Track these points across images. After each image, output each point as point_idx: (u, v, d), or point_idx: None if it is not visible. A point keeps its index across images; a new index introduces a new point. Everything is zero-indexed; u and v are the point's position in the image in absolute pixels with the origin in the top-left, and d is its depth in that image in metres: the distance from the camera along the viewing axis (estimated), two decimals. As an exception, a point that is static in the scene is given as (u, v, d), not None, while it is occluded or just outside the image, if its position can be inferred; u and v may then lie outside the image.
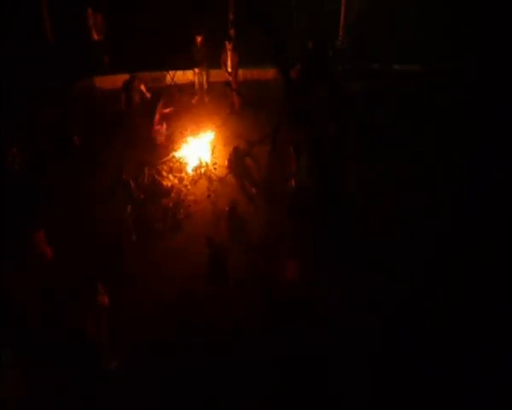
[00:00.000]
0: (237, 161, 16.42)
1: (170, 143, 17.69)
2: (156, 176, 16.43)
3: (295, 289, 13.27)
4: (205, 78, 19.69)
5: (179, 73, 19.90)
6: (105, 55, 20.07)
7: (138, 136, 17.37)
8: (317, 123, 16.59)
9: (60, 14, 19.46)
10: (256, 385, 11.90)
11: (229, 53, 18.68)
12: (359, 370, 12.00)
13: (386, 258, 13.53)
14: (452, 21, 19.81)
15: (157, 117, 17.48)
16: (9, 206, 14.30)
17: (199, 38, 18.80)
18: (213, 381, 11.95)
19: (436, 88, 18.93)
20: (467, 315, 12.91)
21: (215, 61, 19.12)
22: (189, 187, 16.55)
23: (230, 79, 19.13)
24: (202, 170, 17.02)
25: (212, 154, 17.45)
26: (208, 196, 16.33)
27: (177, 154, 17.35)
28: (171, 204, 15.84)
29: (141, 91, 17.64)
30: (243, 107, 19.27)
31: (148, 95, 17.77)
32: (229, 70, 18.94)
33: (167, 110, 17.76)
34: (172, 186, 16.43)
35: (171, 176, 16.75)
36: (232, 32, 19.46)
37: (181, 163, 17.16)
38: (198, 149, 17.30)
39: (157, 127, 17.53)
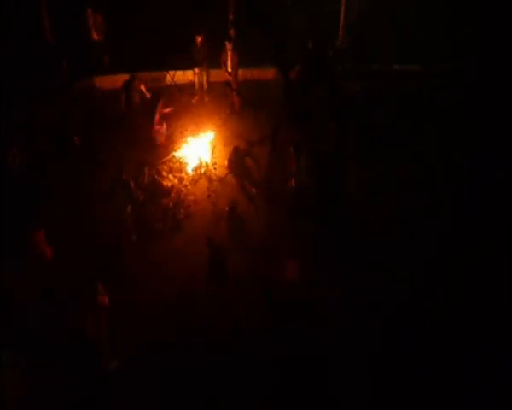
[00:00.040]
0: (237, 160, 16.42)
1: (170, 143, 17.68)
2: (156, 176, 16.42)
3: (295, 289, 13.26)
4: (205, 78, 19.67)
5: (179, 73, 19.90)
6: (105, 56, 20.05)
7: (138, 136, 17.36)
8: (317, 123, 16.61)
9: (60, 14, 19.44)
10: (256, 385, 11.89)
11: (229, 53, 18.66)
12: (359, 370, 12.00)
13: (386, 258, 13.54)
14: (452, 21, 19.81)
15: (157, 117, 17.48)
16: (9, 206, 14.30)
17: (199, 38, 18.78)
18: (213, 381, 11.94)
19: (436, 88, 18.93)
20: (467, 315, 12.91)
21: (215, 61, 19.10)
22: (189, 187, 16.54)
23: (230, 79, 19.11)
24: (202, 170, 17.02)
25: (212, 154, 17.44)
26: (208, 196, 16.32)
27: (177, 154, 17.35)
28: (171, 204, 15.83)
29: (141, 91, 17.63)
30: (243, 107, 19.26)
31: (148, 95, 17.77)
32: (229, 70, 18.92)
33: (167, 110, 17.75)
34: (172, 186, 16.42)
35: (171, 176, 16.75)
36: (232, 32, 19.44)
37: (181, 163, 17.16)
38: (198, 149, 17.29)
39: (157, 127, 17.52)
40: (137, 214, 14.86)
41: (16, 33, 18.28)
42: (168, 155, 17.31)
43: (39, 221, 14.02)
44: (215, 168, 17.11)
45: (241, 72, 19.64)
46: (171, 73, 19.73)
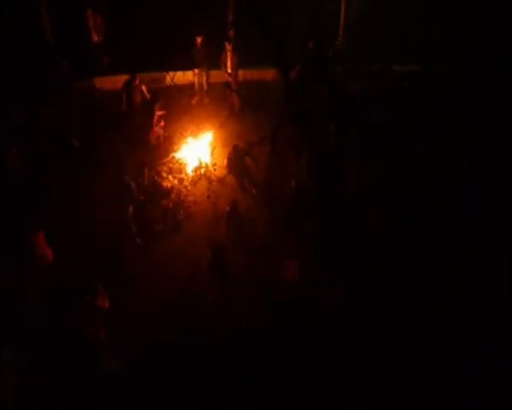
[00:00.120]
0: (237, 160, 16.41)
1: (169, 144, 17.69)
2: (156, 177, 16.41)
3: (295, 289, 13.26)
4: (205, 78, 19.66)
5: (179, 73, 19.89)
6: (105, 56, 20.05)
7: (138, 136, 17.36)
8: (317, 123, 16.61)
9: (60, 14, 19.44)
10: (256, 385, 11.89)
11: (228, 54, 18.65)
12: (359, 370, 11.99)
13: (386, 258, 13.53)
14: (452, 21, 19.81)
15: (155, 119, 17.47)
16: (9, 206, 14.29)
17: (199, 39, 18.77)
18: (213, 381, 11.94)
19: (436, 88, 18.93)
20: (467, 315, 12.91)
21: (215, 62, 19.10)
22: (188, 188, 16.54)
23: (230, 79, 19.10)
24: (202, 171, 17.01)
25: (212, 155, 17.44)
26: (208, 196, 16.32)
27: (177, 155, 17.36)
28: (170, 205, 15.83)
29: (142, 92, 17.61)
30: (243, 107, 19.26)
31: (149, 95, 17.76)
32: (229, 71, 18.91)
33: (160, 112, 17.68)
34: (172, 187, 16.42)
35: (170, 177, 16.75)
36: (232, 32, 19.43)
37: (181, 164, 17.17)
38: (198, 150, 17.29)
39: (155, 129, 17.52)
40: (138, 215, 14.87)
41: (16, 33, 18.28)
42: (168, 155, 17.32)
43: (39, 222, 14.00)
44: (215, 169, 17.11)
45: (240, 72, 19.65)
46: (171, 73, 19.72)
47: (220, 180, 16.72)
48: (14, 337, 12.01)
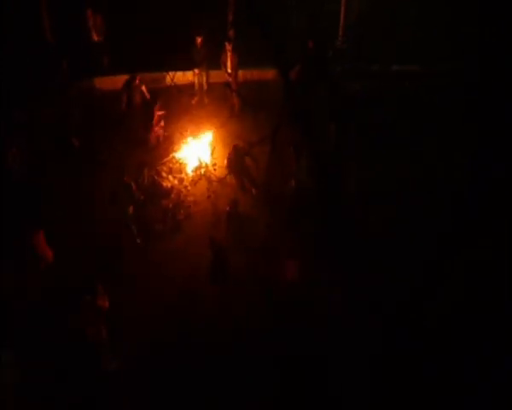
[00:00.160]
0: (237, 159, 16.40)
1: (169, 143, 17.69)
2: (156, 177, 16.43)
3: (295, 289, 13.27)
4: (205, 79, 19.65)
5: (179, 73, 19.88)
6: (105, 56, 20.05)
7: (138, 136, 17.37)
8: (317, 123, 16.60)
9: (60, 14, 19.43)
10: (256, 385, 11.90)
11: (228, 54, 18.65)
12: (359, 370, 11.99)
13: (386, 258, 13.52)
14: (452, 21, 19.79)
15: (155, 119, 17.47)
16: (9, 206, 14.29)
17: (199, 39, 18.78)
18: (213, 381, 11.95)
19: (436, 88, 18.91)
20: (467, 315, 12.90)
21: (215, 62, 19.10)
22: (188, 188, 16.55)
23: (230, 79, 19.10)
24: (202, 171, 17.02)
25: (212, 155, 17.44)
26: (208, 196, 16.32)
27: (177, 155, 17.36)
28: (170, 205, 15.84)
29: (142, 92, 17.60)
30: (243, 108, 19.24)
31: (149, 96, 17.74)
32: (229, 71, 18.91)
33: (160, 113, 17.66)
34: (172, 187, 16.43)
35: (170, 177, 16.76)
36: (232, 32, 19.43)
37: (181, 164, 17.17)
38: (198, 150, 17.30)
39: (155, 129, 17.52)
40: (138, 215, 14.87)
41: (16, 33, 18.27)
42: (168, 155, 17.32)
43: (39, 222, 14.01)
44: (215, 169, 17.11)
45: (240, 72, 19.65)
46: (171, 73, 19.72)
47: (220, 180, 16.71)
48: (14, 337, 12.02)
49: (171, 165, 17.13)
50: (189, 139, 17.45)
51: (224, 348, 12.50)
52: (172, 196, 16.17)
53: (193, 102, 19.76)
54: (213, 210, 15.82)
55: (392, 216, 15.01)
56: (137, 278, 13.91)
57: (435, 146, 17.16)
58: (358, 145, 16.81)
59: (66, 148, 16.97)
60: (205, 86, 19.78)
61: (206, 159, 17.23)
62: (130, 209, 14.56)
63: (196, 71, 19.52)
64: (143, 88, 17.58)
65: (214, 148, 17.55)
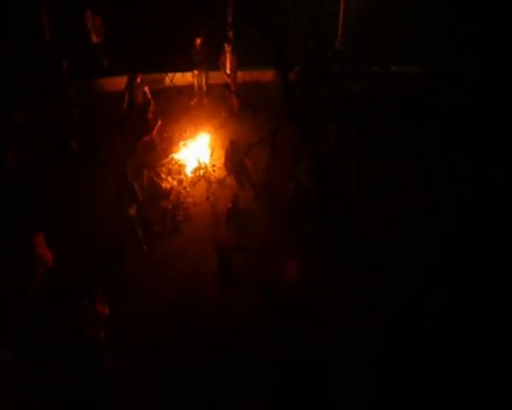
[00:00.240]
0: (234, 157, 16.41)
1: (169, 144, 17.68)
2: (155, 178, 16.44)
3: (295, 289, 13.27)
4: (204, 80, 19.64)
5: (178, 74, 19.81)
6: (104, 57, 20.04)
7: (138, 137, 17.37)
8: (317, 123, 16.59)
9: (59, 14, 19.43)
10: (256, 385, 11.91)
11: (228, 55, 18.65)
12: (359, 370, 12.00)
13: (386, 258, 13.50)
14: (452, 21, 19.79)
15: (149, 121, 17.47)
16: (9, 206, 14.29)
17: (198, 40, 18.77)
18: (213, 381, 11.96)
19: (436, 88, 18.89)
20: (467, 315, 12.92)
21: (214, 63, 19.10)
22: (187, 189, 16.56)
23: (229, 80, 19.08)
24: (201, 172, 17.03)
25: (211, 156, 17.44)
26: (207, 198, 16.35)
27: (176, 156, 17.35)
28: (170, 206, 15.89)
29: (144, 92, 17.56)
30: (242, 109, 19.18)
31: (150, 96, 17.72)
32: (228, 72, 18.91)
33: (151, 116, 17.65)
34: (171, 188, 16.44)
35: (170, 178, 16.77)
36: (231, 33, 19.43)
37: (180, 165, 17.18)
38: (197, 151, 17.30)
39: (153, 130, 17.53)
40: (137, 216, 14.88)
41: (16, 33, 18.29)
42: (167, 157, 17.32)
43: (39, 223, 14.01)
44: (214, 170, 17.13)
45: (240, 74, 19.64)
46: (170, 74, 19.67)
47: (219, 182, 16.68)
48: (14, 337, 12.02)
49: (170, 166, 17.13)
50: (189, 140, 17.45)
51: (224, 348, 12.52)
52: (172, 197, 16.19)
53: (192, 103, 19.72)
54: (212, 211, 15.84)
55: (392, 216, 15.02)
56: (137, 278, 13.93)
57: (435, 146, 17.16)
58: (358, 145, 16.81)
59: (66, 148, 16.99)
60: (204, 87, 19.76)
61: (206, 160, 17.24)
62: (133, 210, 14.56)
63: (195, 72, 19.51)
64: (146, 89, 17.54)
65: (213, 149, 17.55)
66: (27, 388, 11.46)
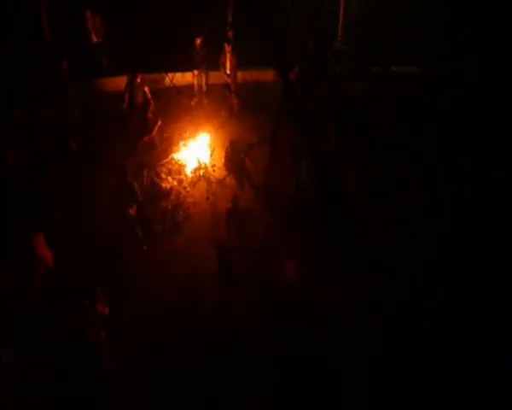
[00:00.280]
0: (233, 156, 16.41)
1: (169, 144, 17.68)
2: (155, 178, 16.43)
3: (295, 289, 13.27)
4: (204, 80, 19.63)
5: (178, 74, 19.80)
6: (104, 57, 20.04)
7: (138, 137, 17.37)
8: (317, 123, 16.58)
9: (59, 15, 19.43)
10: (256, 385, 11.91)
11: (228, 55, 18.64)
12: (359, 370, 11.99)
13: (386, 258, 13.49)
14: (452, 21, 19.79)
15: (149, 121, 17.47)
16: (9, 206, 14.29)
17: (198, 40, 18.77)
18: (213, 381, 11.96)
19: (436, 88, 18.89)
20: (467, 315, 12.91)
21: (214, 63, 19.09)
22: (187, 189, 16.56)
23: (229, 81, 19.07)
24: (201, 172, 17.03)
25: (211, 156, 17.43)
26: (207, 198, 16.34)
27: (176, 156, 17.35)
28: (170, 206, 15.87)
29: (145, 92, 17.55)
30: (242, 109, 19.17)
31: (150, 96, 17.72)
32: (228, 72, 18.90)
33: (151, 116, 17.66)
34: (171, 188, 16.44)
35: (170, 178, 16.76)
36: (231, 33, 19.43)
37: (180, 165, 17.17)
38: (197, 151, 17.30)
39: (153, 130, 17.53)
40: (139, 217, 14.90)
41: (16, 33, 18.29)
42: (167, 157, 17.31)
43: (39, 223, 14.01)
44: (214, 170, 17.12)
45: (240, 74, 19.63)
46: (170, 74, 19.66)
47: (219, 182, 16.68)
48: (14, 337, 12.01)
49: (170, 166, 17.12)
50: (189, 140, 17.45)
51: (224, 348, 12.51)
52: (171, 197, 16.19)
53: (192, 103, 19.71)
54: (212, 211, 15.83)
55: (392, 216, 15.02)
56: (137, 278, 13.93)
57: (435, 146, 17.16)
58: (358, 145, 16.81)
59: (66, 148, 16.98)
60: (204, 87, 19.75)
61: (206, 160, 17.23)
62: (133, 210, 14.56)
63: (195, 72, 19.50)
64: (146, 89, 17.53)
65: (213, 149, 17.55)
66: (27, 388, 11.46)
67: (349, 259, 13.33)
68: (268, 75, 20.19)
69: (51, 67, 17.68)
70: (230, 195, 15.41)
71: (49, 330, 12.42)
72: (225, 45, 18.61)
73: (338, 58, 20.00)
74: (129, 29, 19.38)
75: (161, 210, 15.74)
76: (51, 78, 17.53)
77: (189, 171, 17.02)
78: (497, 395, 11.53)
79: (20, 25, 18.54)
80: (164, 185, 16.43)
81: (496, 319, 12.75)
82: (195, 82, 19.69)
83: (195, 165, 17.08)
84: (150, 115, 17.42)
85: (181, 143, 17.52)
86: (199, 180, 16.85)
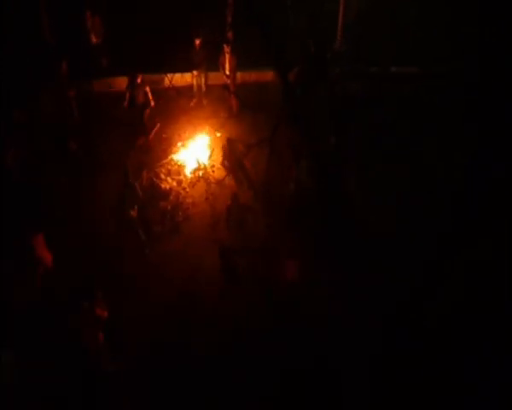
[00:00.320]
0: (231, 155, 16.42)
1: (168, 145, 17.68)
2: (154, 179, 16.43)
3: (295, 289, 13.27)
4: (203, 80, 19.62)
5: (177, 75, 19.83)
6: (104, 57, 20.04)
7: (138, 137, 17.37)
8: (317, 123, 16.57)
9: (59, 15, 19.43)
10: (256, 385, 11.90)
11: (227, 56, 18.63)
12: (359, 370, 11.98)
13: (386, 258, 13.50)
14: (452, 21, 19.79)
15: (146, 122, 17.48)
16: (9, 206, 14.29)
17: (197, 41, 18.76)
18: (213, 381, 11.95)
19: (436, 89, 18.89)
20: (467, 315, 12.91)
21: (213, 64, 19.09)
22: (187, 190, 16.55)
23: (229, 81, 19.07)
24: (200, 173, 17.03)
25: (211, 156, 17.44)
26: (206, 198, 16.33)
27: (176, 156, 17.37)
28: (169, 207, 15.86)
29: (146, 92, 17.54)
30: (241, 109, 19.19)
31: (151, 97, 17.71)
32: (228, 73, 18.89)
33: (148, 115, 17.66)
34: (171, 189, 16.43)
35: (169, 179, 16.76)
36: (230, 34, 19.44)
37: (179, 166, 17.18)
38: (196, 152, 17.32)
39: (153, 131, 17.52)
40: (139, 217, 14.90)
41: (16, 33, 18.29)
42: (166, 157, 17.32)
43: (39, 223, 14.00)
44: (213, 171, 17.13)
45: (239, 74, 19.61)
46: (170, 75, 19.67)
47: (218, 182, 16.70)
48: (14, 337, 12.01)
49: (169, 167, 17.12)
50: (188, 141, 17.45)
51: (224, 348, 12.50)
52: (171, 197, 16.17)
53: (191, 103, 19.72)
54: (212, 212, 15.82)
55: (392, 216, 15.02)
56: (137, 278, 13.92)
57: (435, 146, 17.16)
58: (358, 145, 16.81)
59: (65, 148, 16.96)
60: (203, 88, 19.74)
61: (205, 161, 17.24)
62: (135, 211, 14.55)
63: (195, 73, 19.49)
64: (147, 89, 17.53)
65: (213, 149, 17.55)
66: (27, 388, 11.45)
67: (349, 259, 13.34)
68: (267, 76, 20.15)
69: (51, 67, 17.69)
70: (230, 195, 15.41)
71: (49, 331, 12.40)
72: (225, 46, 18.59)
73: (338, 58, 20.01)
74: (128, 29, 19.37)
75: (161, 211, 15.72)
76: (51, 78, 17.56)
77: (188, 171, 17.03)
78: (498, 395, 11.51)
79: (20, 25, 18.54)
80: (163, 186, 16.42)
81: (496, 319, 12.73)
82: (195, 83, 19.69)
83: (195, 165, 17.09)
84: (147, 117, 17.44)
85: (180, 143, 17.53)
86: (198, 181, 16.85)
